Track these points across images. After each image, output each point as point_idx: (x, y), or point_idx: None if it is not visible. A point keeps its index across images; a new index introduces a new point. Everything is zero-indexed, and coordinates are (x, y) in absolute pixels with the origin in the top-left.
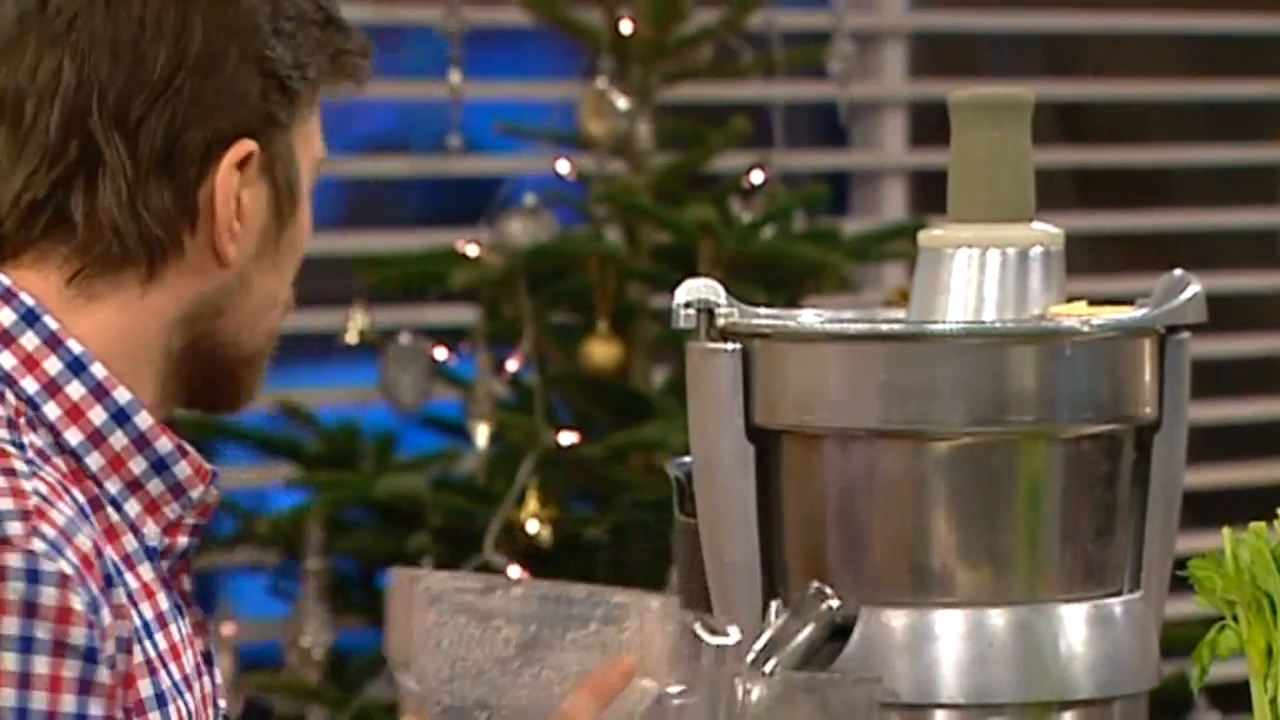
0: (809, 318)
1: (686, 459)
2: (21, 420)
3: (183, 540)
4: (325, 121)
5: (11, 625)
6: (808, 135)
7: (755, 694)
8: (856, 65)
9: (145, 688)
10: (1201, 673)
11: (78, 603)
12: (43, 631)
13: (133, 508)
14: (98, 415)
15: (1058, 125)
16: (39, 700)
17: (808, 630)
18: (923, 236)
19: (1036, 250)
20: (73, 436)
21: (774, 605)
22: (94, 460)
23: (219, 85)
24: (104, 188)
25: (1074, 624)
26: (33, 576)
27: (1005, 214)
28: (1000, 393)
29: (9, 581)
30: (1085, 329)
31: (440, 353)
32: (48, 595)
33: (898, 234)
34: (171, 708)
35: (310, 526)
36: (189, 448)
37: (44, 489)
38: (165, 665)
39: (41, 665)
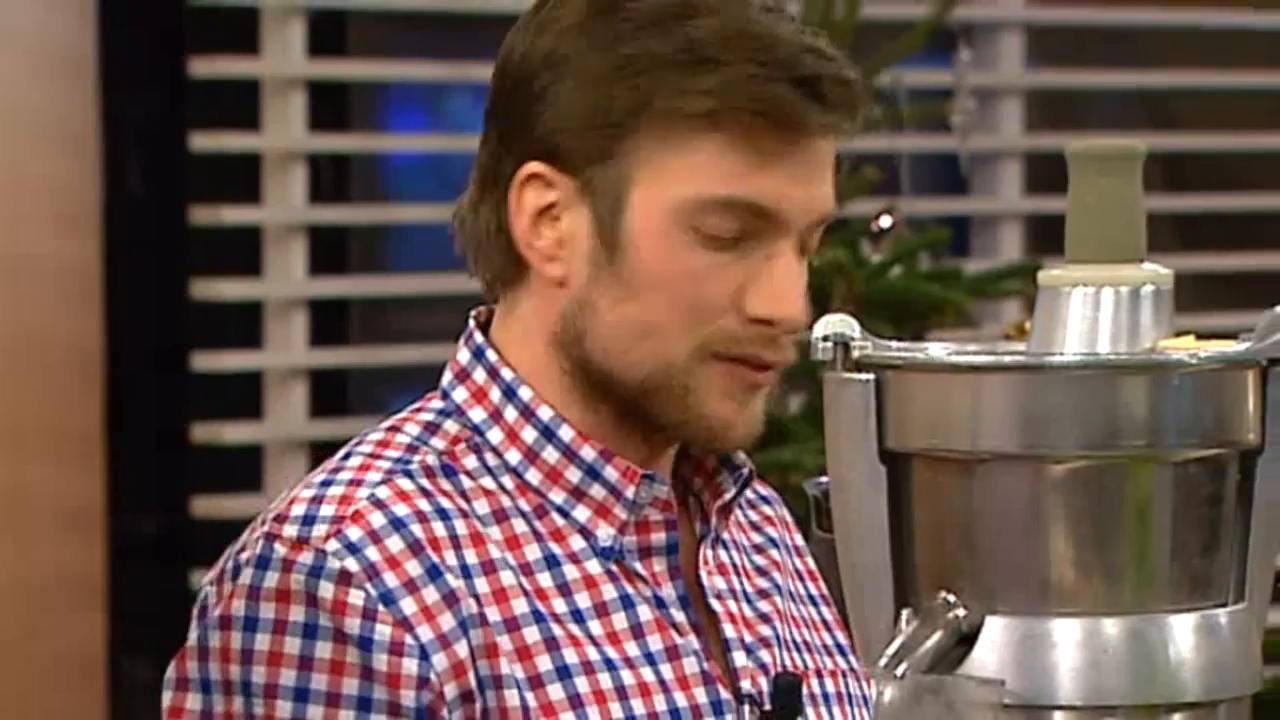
0: (937, 350)
1: (823, 479)
2: (458, 448)
3: (658, 536)
4: None
5: (298, 613)
6: (931, 183)
7: (887, 695)
8: (977, 119)
9: (544, 662)
10: None
11: (357, 598)
12: (324, 620)
13: (581, 513)
14: (529, 434)
15: (1161, 174)
16: (319, 681)
17: (936, 637)
18: (1042, 276)
19: (1148, 289)
20: (512, 457)
21: (904, 614)
22: (533, 475)
23: (524, 109)
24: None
25: (1182, 632)
26: (315, 571)
27: (1118, 255)
28: (1113, 420)
29: (293, 574)
30: (1193, 361)
31: None
32: (325, 589)
33: (1014, 274)
34: (583, 679)
35: None
36: (614, 453)
37: (386, 494)
38: (598, 645)
39: (323, 650)
